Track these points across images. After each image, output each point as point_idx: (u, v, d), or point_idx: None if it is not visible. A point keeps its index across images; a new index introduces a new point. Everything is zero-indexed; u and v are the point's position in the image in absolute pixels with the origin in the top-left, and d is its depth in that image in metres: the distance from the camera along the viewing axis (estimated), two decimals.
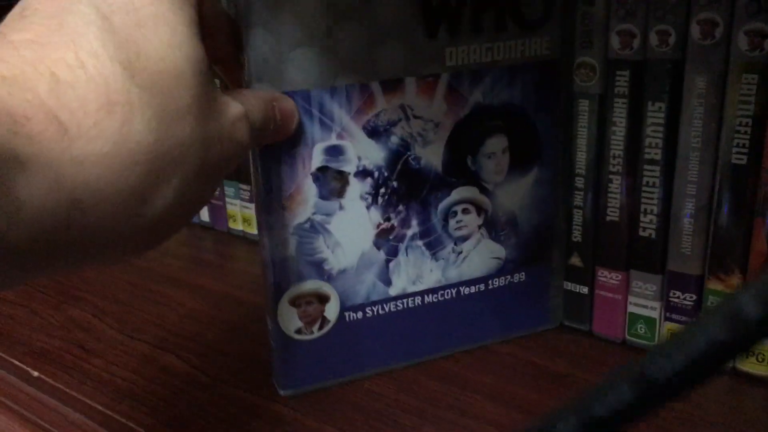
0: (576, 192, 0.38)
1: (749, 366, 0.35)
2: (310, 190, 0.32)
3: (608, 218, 0.37)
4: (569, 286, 0.39)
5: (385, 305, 0.35)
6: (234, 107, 0.25)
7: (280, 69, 0.30)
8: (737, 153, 0.32)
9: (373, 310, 0.35)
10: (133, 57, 0.21)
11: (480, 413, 0.33)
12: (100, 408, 0.35)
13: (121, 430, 0.34)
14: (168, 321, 0.43)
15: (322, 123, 0.32)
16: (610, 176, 0.36)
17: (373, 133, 0.33)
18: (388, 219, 0.34)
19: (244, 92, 0.28)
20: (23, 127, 0.19)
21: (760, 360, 0.34)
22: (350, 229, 0.34)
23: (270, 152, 0.31)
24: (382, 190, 0.34)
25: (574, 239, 0.38)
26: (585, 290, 0.39)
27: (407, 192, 0.34)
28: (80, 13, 0.21)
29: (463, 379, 0.36)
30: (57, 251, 0.20)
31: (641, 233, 0.36)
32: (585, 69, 0.36)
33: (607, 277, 0.38)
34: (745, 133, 0.32)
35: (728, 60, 0.32)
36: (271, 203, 0.32)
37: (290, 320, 0.34)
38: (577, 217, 0.38)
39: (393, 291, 0.35)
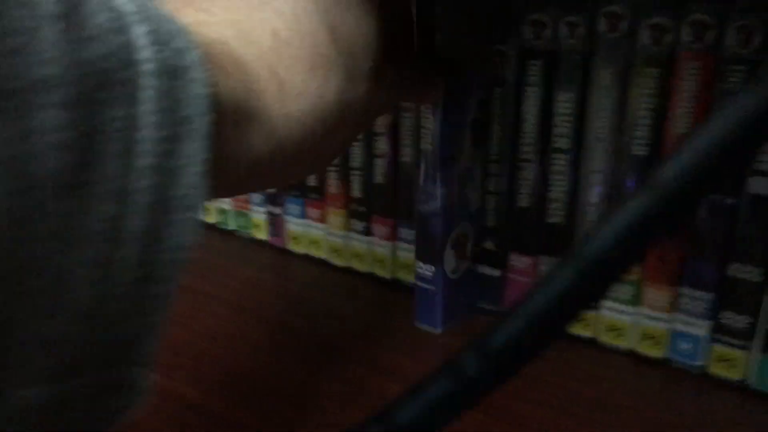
0: (490, 177, 0.38)
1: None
2: (467, 140, 0.37)
3: (519, 204, 0.38)
4: (483, 269, 0.40)
5: None
6: (392, 75, 0.27)
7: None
8: (639, 144, 0.33)
9: None
10: (337, 22, 0.23)
11: None
12: None
13: None
14: None
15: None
16: (522, 163, 0.37)
17: None
18: None
19: (403, 63, 0.30)
20: (255, 84, 0.20)
21: (656, 342, 0.36)
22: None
23: (445, 108, 0.35)
24: None
25: (489, 224, 0.39)
26: (497, 273, 0.40)
27: None
28: None
29: None
30: (259, 181, 0.23)
31: (549, 219, 0.37)
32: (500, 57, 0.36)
33: (518, 261, 0.39)
34: (646, 125, 0.33)
35: (632, 53, 0.32)
36: (445, 156, 0.36)
37: (449, 261, 0.38)
38: (491, 202, 0.39)
39: None
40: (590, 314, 0.38)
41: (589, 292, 0.12)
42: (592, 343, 0.38)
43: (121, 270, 0.14)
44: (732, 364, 0.34)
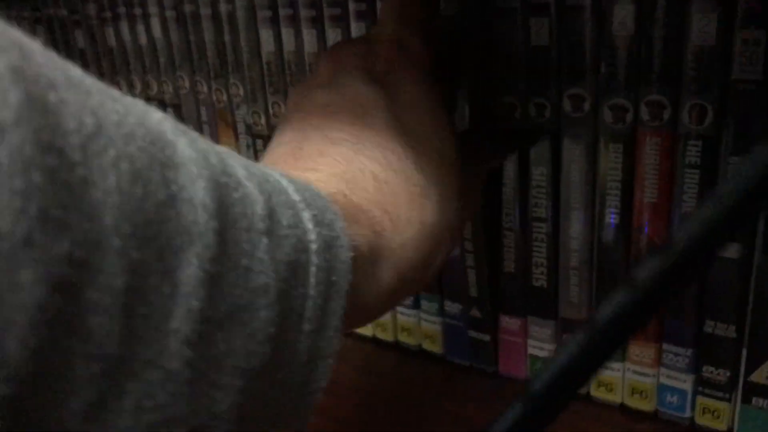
0: (467, 254, 0.40)
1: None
2: None
3: (505, 269, 0.40)
4: (473, 333, 0.42)
5: None
6: (472, 181, 0.30)
7: None
8: (612, 212, 0.35)
9: None
10: (418, 151, 0.25)
11: None
12: None
13: None
14: None
15: None
16: (505, 232, 0.39)
17: None
18: None
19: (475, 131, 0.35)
20: (376, 226, 0.23)
21: (644, 396, 0.38)
22: None
23: None
24: None
25: (471, 295, 0.41)
26: (487, 338, 0.42)
27: None
28: (378, 116, 0.25)
29: None
30: (384, 308, 0.25)
31: (534, 283, 0.39)
32: None
33: (509, 322, 0.41)
34: (616, 195, 0.35)
35: (597, 130, 0.35)
36: None
37: None
38: (471, 275, 0.41)
39: None
40: None
41: (603, 352, 0.14)
42: (585, 398, 0.40)
43: (280, 405, 0.18)
44: (717, 415, 0.36)
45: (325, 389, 0.19)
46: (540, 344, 0.40)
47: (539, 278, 0.39)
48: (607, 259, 0.36)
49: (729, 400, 0.35)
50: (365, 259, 0.22)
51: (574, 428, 0.38)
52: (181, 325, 0.14)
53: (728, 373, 0.35)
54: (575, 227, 0.37)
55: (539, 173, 0.37)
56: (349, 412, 0.41)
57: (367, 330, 0.47)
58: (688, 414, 0.37)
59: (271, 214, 0.17)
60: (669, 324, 0.36)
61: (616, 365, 0.38)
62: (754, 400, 0.34)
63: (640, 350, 0.37)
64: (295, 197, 0.18)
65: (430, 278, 0.28)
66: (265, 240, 0.16)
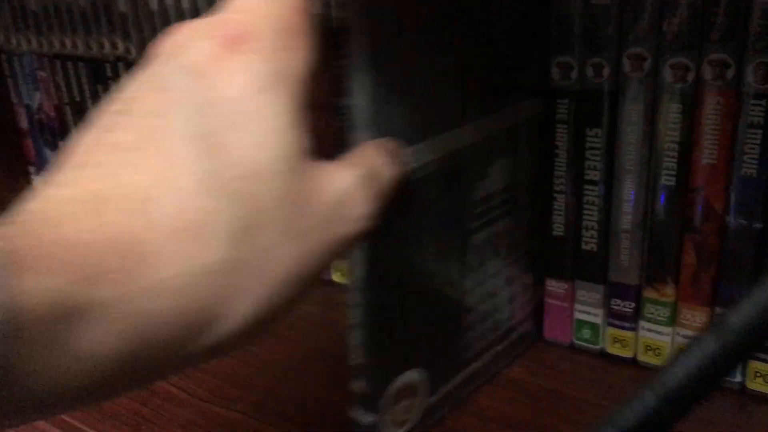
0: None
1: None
2: None
3: (554, 233, 0.40)
4: None
5: None
6: (341, 179, 0.22)
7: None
8: (667, 175, 0.35)
9: None
10: (221, 167, 0.19)
11: None
12: None
13: None
14: None
15: None
16: (555, 195, 0.39)
17: None
18: None
19: (362, 150, 0.25)
20: (99, 266, 0.17)
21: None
22: None
23: None
24: None
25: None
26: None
27: None
28: (177, 120, 0.20)
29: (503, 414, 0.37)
30: (117, 382, 0.19)
31: (584, 247, 0.39)
32: None
33: (555, 286, 0.41)
34: (673, 157, 0.35)
35: (656, 90, 0.34)
36: None
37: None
38: None
39: None
40: (629, 335, 0.39)
41: (664, 417, 0.14)
42: (632, 362, 0.40)
43: None
44: None
45: None
46: (587, 309, 0.40)
47: (589, 241, 0.39)
48: (661, 222, 0.36)
49: None
50: (49, 321, 0.16)
51: (620, 394, 0.38)
52: None
53: None
54: (629, 190, 0.37)
55: (594, 134, 0.37)
56: None
57: None
58: (738, 379, 0.37)
59: None
60: (722, 287, 0.36)
61: (665, 329, 0.38)
62: None
63: (691, 314, 0.37)
64: None
65: (228, 337, 0.20)
66: None
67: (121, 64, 0.55)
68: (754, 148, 0.33)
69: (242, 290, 0.20)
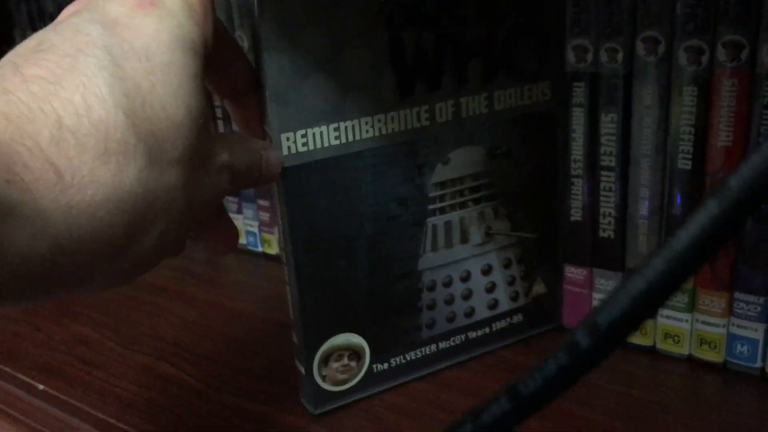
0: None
1: (703, 353, 0.38)
2: None
3: (572, 218, 0.40)
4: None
5: None
6: (220, 156, 0.26)
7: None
8: (683, 159, 0.35)
9: None
10: (137, 106, 0.22)
11: None
12: (104, 417, 0.38)
13: None
14: (162, 332, 0.46)
15: None
16: (572, 179, 0.39)
17: None
18: None
19: (233, 140, 0.28)
20: (18, 176, 0.19)
21: (713, 347, 0.37)
22: None
23: None
24: None
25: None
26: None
27: None
28: (94, 56, 0.21)
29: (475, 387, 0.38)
30: (37, 287, 0.21)
31: (601, 234, 0.39)
32: None
33: (574, 273, 0.41)
34: (689, 140, 0.35)
35: (671, 74, 0.34)
36: None
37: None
38: None
39: None
40: (648, 323, 0.39)
41: (672, 281, 0.14)
42: (651, 351, 0.40)
43: None
44: None
45: None
46: (606, 297, 0.40)
47: (606, 228, 0.39)
48: (679, 208, 0.36)
49: None
50: None
51: (638, 381, 0.38)
52: None
53: None
54: (646, 175, 0.37)
55: (609, 120, 0.37)
56: None
57: None
58: (758, 364, 0.36)
59: None
60: (741, 271, 0.35)
61: (684, 316, 0.38)
62: None
63: (710, 300, 0.37)
64: None
65: (130, 270, 0.23)
66: None
67: None
68: None
69: (149, 223, 0.22)
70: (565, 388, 0.14)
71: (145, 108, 0.22)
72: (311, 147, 0.32)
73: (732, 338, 0.37)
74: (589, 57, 0.36)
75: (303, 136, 0.32)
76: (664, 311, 0.38)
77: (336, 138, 0.33)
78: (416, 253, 0.37)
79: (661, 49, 0.34)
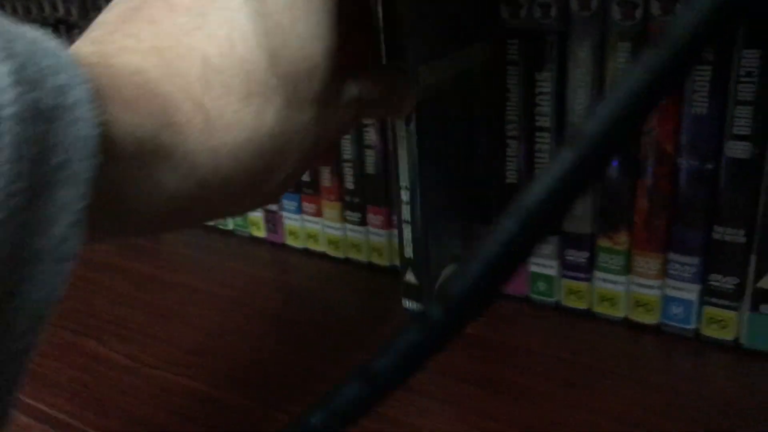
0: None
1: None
2: None
3: (507, 180, 0.39)
4: None
5: None
6: (351, 91, 0.25)
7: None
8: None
9: None
10: (279, 45, 0.21)
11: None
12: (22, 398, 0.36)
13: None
14: (96, 307, 0.44)
15: None
16: (508, 141, 0.38)
17: None
18: None
19: (363, 73, 0.26)
20: (173, 118, 0.19)
21: (648, 309, 0.37)
22: None
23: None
24: None
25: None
26: None
27: None
28: None
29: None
30: (182, 219, 0.22)
31: None
32: None
33: None
34: None
35: (605, 30, 0.33)
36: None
37: None
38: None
39: None
40: (584, 286, 0.39)
41: (529, 241, 0.13)
42: (587, 314, 0.39)
43: None
44: (723, 324, 0.35)
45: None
46: (542, 261, 0.39)
47: None
48: (613, 169, 0.35)
49: (736, 309, 0.35)
50: (131, 155, 0.18)
51: (576, 345, 0.37)
52: None
53: (736, 281, 0.34)
54: None
55: (543, 79, 0.36)
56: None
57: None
58: (693, 325, 0.36)
59: None
60: (676, 232, 0.35)
61: (619, 279, 0.37)
62: (761, 307, 0.34)
63: (645, 261, 0.36)
64: None
65: (270, 196, 0.24)
66: None
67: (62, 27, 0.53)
68: (704, 86, 0.32)
69: (285, 160, 0.22)
70: (420, 364, 0.13)
71: (284, 48, 0.21)
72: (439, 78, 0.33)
73: (667, 300, 0.36)
74: (523, 13, 0.35)
75: (433, 67, 0.32)
76: (599, 274, 0.38)
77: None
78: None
79: (595, 4, 0.33)
